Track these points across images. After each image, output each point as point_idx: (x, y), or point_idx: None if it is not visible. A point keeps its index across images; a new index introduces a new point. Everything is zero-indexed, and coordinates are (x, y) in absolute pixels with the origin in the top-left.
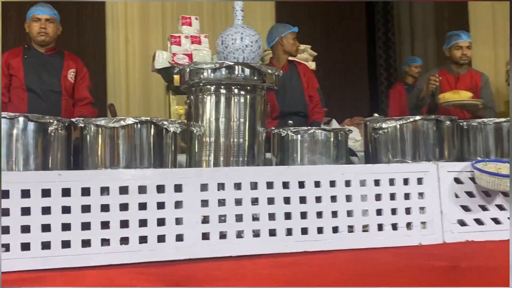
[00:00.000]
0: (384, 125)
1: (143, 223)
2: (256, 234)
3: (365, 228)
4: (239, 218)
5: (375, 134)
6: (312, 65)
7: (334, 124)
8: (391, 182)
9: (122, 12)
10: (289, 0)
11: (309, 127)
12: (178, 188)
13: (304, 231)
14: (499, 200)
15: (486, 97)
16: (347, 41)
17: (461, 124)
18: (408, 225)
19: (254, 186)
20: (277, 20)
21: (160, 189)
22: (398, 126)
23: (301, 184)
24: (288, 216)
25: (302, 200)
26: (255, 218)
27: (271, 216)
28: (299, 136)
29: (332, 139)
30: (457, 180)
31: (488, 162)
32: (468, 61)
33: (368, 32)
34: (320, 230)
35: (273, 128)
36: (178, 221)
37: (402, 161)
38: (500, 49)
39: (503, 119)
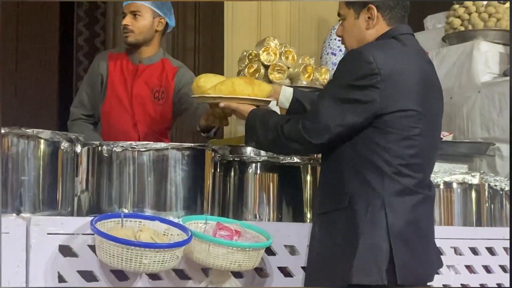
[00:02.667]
0: None
1: None
2: None
3: None
4: None
5: None
6: None
7: None
8: None
9: None
10: None
11: None
12: None
13: None
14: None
15: (187, 104)
16: (40, 35)
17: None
18: None
19: None
20: None
21: None
22: None
23: None
24: None
25: None
26: None
27: None
28: None
29: None
30: (67, 252)
31: (128, 218)
32: (133, 40)
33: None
34: None
35: None
36: None
37: None
38: None
39: (164, 145)
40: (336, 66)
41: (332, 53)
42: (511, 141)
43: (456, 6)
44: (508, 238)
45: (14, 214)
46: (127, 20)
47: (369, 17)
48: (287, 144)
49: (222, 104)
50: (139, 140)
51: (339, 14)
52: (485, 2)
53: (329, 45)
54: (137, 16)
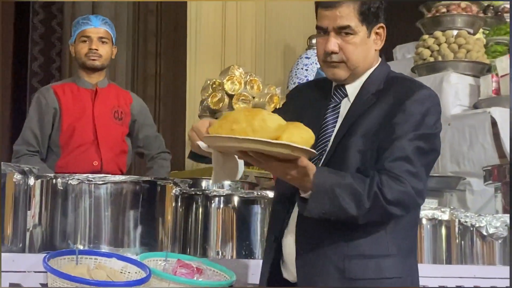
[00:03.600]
0: None
1: None
2: None
3: None
4: None
5: None
6: None
7: None
8: None
9: None
10: None
11: None
12: None
13: None
14: None
15: (146, 147)
16: None
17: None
18: None
19: None
20: None
21: None
22: None
23: None
24: None
25: None
26: None
27: None
28: None
29: None
30: None
31: (83, 255)
32: (100, 64)
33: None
34: None
35: None
36: None
37: None
38: None
39: (122, 178)
40: (407, 106)
41: (299, 83)
42: (511, 163)
43: (426, 36)
44: (480, 276)
45: None
46: (96, 45)
47: (376, 37)
48: (387, 209)
49: (303, 163)
50: (101, 163)
51: (344, 27)
52: (455, 33)
53: (295, 74)
54: (104, 42)
